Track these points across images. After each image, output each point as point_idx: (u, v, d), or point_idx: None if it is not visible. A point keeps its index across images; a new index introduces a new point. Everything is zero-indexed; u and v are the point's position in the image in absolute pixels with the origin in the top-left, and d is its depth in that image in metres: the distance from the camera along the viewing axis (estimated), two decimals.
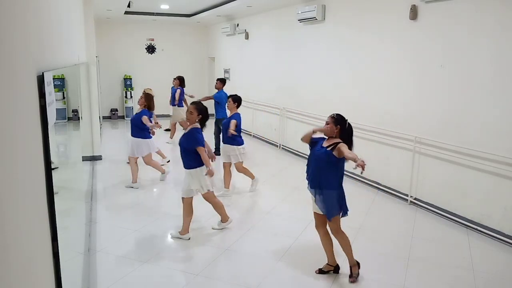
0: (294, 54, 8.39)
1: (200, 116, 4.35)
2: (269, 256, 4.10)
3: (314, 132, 3.63)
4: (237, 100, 5.91)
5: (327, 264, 3.75)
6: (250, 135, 10.39)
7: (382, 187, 6.11)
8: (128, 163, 6.50)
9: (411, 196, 5.57)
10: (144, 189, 6.16)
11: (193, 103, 4.51)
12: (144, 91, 6.99)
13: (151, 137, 6.19)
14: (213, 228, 4.69)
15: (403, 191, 5.73)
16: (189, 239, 4.41)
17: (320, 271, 3.74)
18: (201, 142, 4.28)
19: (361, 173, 3.06)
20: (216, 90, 8.29)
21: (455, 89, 4.90)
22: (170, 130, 9.66)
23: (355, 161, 3.08)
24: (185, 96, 9.45)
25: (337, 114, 3.56)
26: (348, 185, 6.39)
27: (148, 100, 6.20)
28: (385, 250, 4.26)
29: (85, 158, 7.13)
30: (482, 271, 3.84)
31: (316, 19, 7.30)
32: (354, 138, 3.57)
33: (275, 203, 5.61)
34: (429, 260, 4.04)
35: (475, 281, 3.66)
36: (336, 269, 3.73)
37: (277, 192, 6.15)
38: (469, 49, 4.70)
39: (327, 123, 3.53)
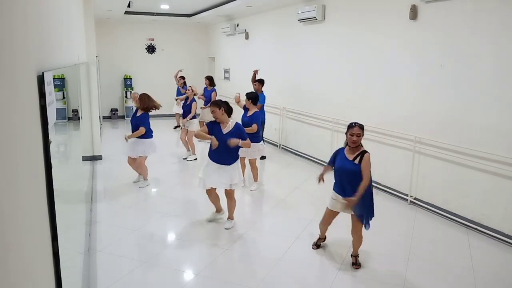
0: (294, 54, 8.38)
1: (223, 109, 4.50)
2: (270, 256, 4.10)
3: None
4: None
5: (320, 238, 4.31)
6: None
7: (382, 187, 6.11)
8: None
9: (411, 196, 5.58)
10: (144, 189, 6.16)
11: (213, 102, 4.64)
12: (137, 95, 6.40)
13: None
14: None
15: (403, 191, 5.74)
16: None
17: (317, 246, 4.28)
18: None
19: None
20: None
21: (455, 89, 4.90)
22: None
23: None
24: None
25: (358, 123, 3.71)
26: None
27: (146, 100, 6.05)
28: (385, 250, 4.26)
29: (85, 158, 7.13)
30: (482, 271, 3.84)
31: (316, 19, 7.30)
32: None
33: (274, 203, 5.61)
34: (429, 260, 4.05)
35: (475, 281, 3.67)
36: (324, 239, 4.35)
37: (276, 191, 6.15)
38: (469, 48, 4.70)
39: (357, 135, 3.60)
